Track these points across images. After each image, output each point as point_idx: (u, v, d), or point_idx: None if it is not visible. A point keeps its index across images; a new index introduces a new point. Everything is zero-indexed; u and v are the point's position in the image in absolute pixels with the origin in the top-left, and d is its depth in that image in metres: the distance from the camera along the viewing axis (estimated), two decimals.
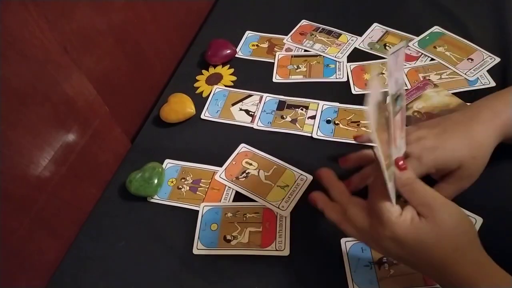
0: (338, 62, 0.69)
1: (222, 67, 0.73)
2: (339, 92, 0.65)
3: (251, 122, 0.63)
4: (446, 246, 0.35)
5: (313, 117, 0.61)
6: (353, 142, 0.56)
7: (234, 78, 0.70)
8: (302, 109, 0.63)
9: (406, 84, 0.60)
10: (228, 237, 0.50)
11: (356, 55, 0.70)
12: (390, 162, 0.38)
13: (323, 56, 0.71)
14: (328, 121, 0.60)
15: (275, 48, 0.74)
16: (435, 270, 0.35)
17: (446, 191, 0.45)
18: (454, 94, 0.60)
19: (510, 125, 0.45)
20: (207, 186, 0.56)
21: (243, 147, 0.59)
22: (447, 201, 0.36)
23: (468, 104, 0.58)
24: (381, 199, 0.37)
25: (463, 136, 0.44)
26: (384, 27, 0.74)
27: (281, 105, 0.64)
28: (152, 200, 0.55)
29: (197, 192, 0.55)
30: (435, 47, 0.68)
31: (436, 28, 0.72)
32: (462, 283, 0.34)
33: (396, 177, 0.38)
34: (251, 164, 0.57)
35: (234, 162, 0.58)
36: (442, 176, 0.46)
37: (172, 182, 0.57)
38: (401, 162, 0.38)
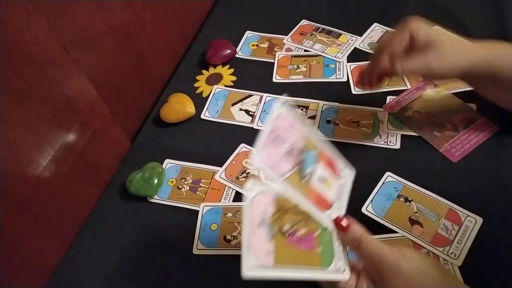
0: (338, 62, 0.69)
1: (222, 67, 0.73)
2: (339, 92, 0.65)
3: (251, 122, 0.63)
4: None
5: (313, 117, 0.61)
6: (354, 142, 0.57)
7: (234, 78, 0.70)
8: (302, 109, 0.63)
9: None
10: (228, 237, 0.50)
11: (356, 55, 0.70)
12: (322, 228, 0.37)
13: (323, 56, 0.71)
14: (328, 121, 0.60)
15: (275, 48, 0.74)
16: None
17: (410, 61, 0.46)
18: (454, 94, 0.60)
19: (497, 54, 0.47)
20: (207, 186, 0.56)
21: (243, 147, 0.59)
22: (396, 259, 0.34)
23: (468, 103, 0.58)
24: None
25: (451, 36, 0.48)
26: (384, 27, 0.74)
27: None
28: (152, 200, 0.55)
29: (197, 192, 0.55)
30: None
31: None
32: None
33: (341, 240, 0.37)
34: (251, 164, 0.57)
35: (234, 162, 0.58)
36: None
37: (172, 182, 0.57)
38: (343, 222, 0.36)
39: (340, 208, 0.40)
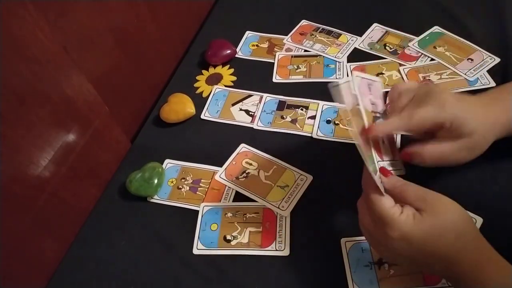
0: (338, 62, 0.69)
1: (222, 67, 0.73)
2: None
3: (251, 122, 0.63)
4: (449, 234, 0.35)
5: (313, 117, 0.61)
6: (354, 142, 0.56)
7: (234, 78, 0.70)
8: (302, 109, 0.63)
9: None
10: (228, 237, 0.50)
11: (356, 55, 0.70)
12: (371, 160, 0.41)
13: (323, 56, 0.71)
14: (328, 121, 0.60)
15: (275, 48, 0.74)
16: (441, 263, 0.36)
17: (447, 146, 0.43)
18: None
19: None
20: (207, 186, 0.56)
21: (243, 147, 0.59)
22: (436, 193, 0.37)
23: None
24: (380, 202, 0.37)
25: (481, 112, 0.43)
26: (384, 27, 0.74)
27: (281, 105, 0.64)
28: (152, 200, 0.55)
29: (197, 192, 0.55)
30: (435, 47, 0.68)
31: (436, 28, 0.72)
32: (467, 271, 0.35)
33: (384, 182, 0.39)
34: (251, 164, 0.57)
35: (234, 162, 0.58)
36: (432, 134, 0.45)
37: (172, 182, 0.57)
38: (386, 169, 0.40)
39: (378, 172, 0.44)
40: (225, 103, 0.66)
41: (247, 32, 0.79)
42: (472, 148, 0.44)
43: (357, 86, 0.43)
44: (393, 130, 0.44)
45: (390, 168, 0.43)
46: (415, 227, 0.36)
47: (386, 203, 0.37)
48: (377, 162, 0.42)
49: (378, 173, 0.40)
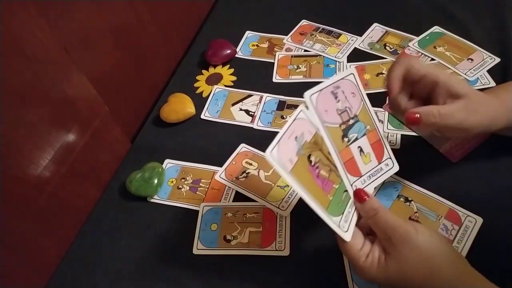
0: (338, 62, 0.69)
1: (222, 67, 0.73)
2: None
3: (251, 122, 0.63)
4: (414, 279, 0.35)
5: None
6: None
7: (234, 78, 0.70)
8: None
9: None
10: (228, 237, 0.50)
11: (356, 55, 0.70)
12: (342, 185, 0.39)
13: (323, 56, 0.71)
14: None
15: (275, 48, 0.74)
16: None
17: (447, 107, 0.42)
18: None
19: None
20: (207, 186, 0.56)
21: (243, 147, 0.59)
22: (408, 230, 0.36)
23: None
24: (346, 248, 0.38)
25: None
26: (384, 27, 0.74)
27: (281, 105, 0.64)
28: (152, 200, 0.55)
29: (197, 192, 0.55)
30: (435, 47, 0.68)
31: (436, 28, 0.72)
32: None
33: (358, 209, 0.39)
34: (251, 164, 0.57)
35: (234, 162, 0.58)
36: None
37: (172, 182, 0.57)
38: (361, 194, 0.39)
39: (366, 187, 0.41)
40: (225, 103, 0.66)
41: (247, 32, 0.79)
42: (472, 109, 0.42)
43: (313, 108, 0.39)
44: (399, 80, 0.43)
45: (377, 176, 0.42)
46: (379, 274, 0.36)
47: (353, 247, 0.38)
48: (351, 184, 0.40)
49: (351, 199, 0.40)
